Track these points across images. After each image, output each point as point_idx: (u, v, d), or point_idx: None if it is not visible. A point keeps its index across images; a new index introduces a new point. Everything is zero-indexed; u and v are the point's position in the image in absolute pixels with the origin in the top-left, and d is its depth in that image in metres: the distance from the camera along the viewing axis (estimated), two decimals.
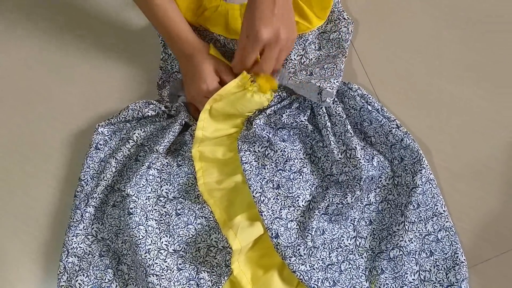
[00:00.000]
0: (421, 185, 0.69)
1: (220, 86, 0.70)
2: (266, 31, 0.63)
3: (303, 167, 0.71)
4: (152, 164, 0.71)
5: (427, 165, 0.70)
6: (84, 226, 0.71)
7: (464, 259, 0.68)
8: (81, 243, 0.70)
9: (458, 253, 0.68)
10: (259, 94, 0.70)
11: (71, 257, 0.70)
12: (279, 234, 0.66)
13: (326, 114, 0.72)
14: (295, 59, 0.75)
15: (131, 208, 0.69)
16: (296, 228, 0.68)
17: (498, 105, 0.75)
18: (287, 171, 0.71)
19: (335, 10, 0.76)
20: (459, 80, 0.76)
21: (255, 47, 0.65)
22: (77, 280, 0.69)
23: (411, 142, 0.70)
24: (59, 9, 0.84)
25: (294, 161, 0.71)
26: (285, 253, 0.66)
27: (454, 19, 0.79)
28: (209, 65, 0.71)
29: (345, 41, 0.75)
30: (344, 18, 0.76)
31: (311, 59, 0.76)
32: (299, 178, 0.71)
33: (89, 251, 0.71)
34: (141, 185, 0.71)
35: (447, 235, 0.69)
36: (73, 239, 0.70)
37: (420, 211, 0.69)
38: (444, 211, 0.70)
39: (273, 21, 0.63)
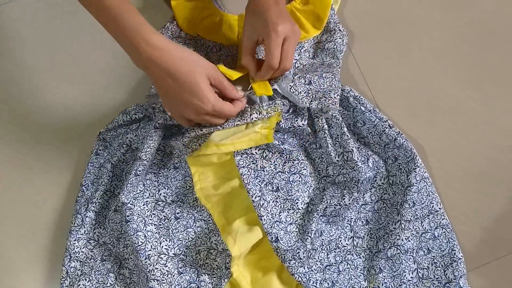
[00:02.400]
0: (416, 183, 0.70)
1: (220, 98, 0.64)
2: (282, 24, 0.65)
3: (303, 169, 0.72)
4: (139, 171, 0.70)
5: (421, 164, 0.71)
6: (85, 231, 0.72)
7: (461, 256, 0.68)
8: (83, 247, 0.72)
9: (455, 250, 0.69)
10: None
11: (74, 261, 0.71)
12: (279, 238, 0.67)
13: (323, 117, 0.72)
14: None
15: (127, 216, 0.69)
16: (296, 231, 0.69)
17: (495, 108, 0.76)
18: (286, 172, 0.71)
19: (331, 21, 0.77)
20: (457, 84, 0.77)
21: (278, 41, 0.65)
22: (79, 284, 0.70)
23: (404, 142, 0.71)
24: (60, 13, 0.84)
25: (293, 162, 0.72)
26: (284, 256, 0.66)
27: (453, 25, 0.79)
28: (204, 78, 0.62)
29: (339, 52, 0.75)
30: (340, 30, 0.76)
31: (305, 64, 0.77)
32: (298, 180, 0.71)
33: (91, 255, 0.72)
34: (138, 191, 0.72)
35: (443, 232, 0.70)
36: (75, 243, 0.71)
37: (416, 209, 0.69)
38: (440, 208, 0.70)
39: (284, 17, 0.66)
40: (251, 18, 0.68)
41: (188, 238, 0.71)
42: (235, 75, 0.68)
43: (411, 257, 0.69)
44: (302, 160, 0.72)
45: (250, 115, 0.69)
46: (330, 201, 0.70)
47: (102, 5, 0.59)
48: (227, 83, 0.66)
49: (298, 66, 0.77)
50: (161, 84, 0.62)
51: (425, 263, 0.69)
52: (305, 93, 0.71)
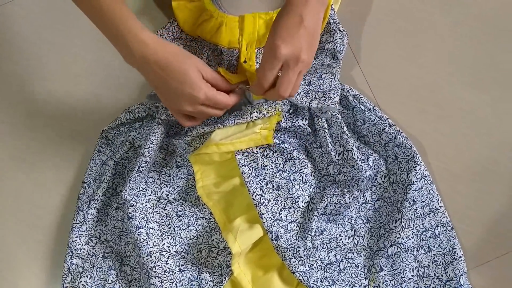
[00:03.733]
0: (416, 181, 0.70)
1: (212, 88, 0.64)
2: (286, 48, 0.58)
3: (304, 168, 0.72)
4: (141, 168, 0.71)
5: (421, 162, 0.71)
6: (87, 228, 0.72)
7: (462, 254, 0.68)
8: (85, 244, 0.72)
9: (456, 248, 0.69)
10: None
11: (75, 258, 0.71)
12: (279, 236, 0.67)
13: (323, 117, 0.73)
14: None
15: (130, 213, 0.70)
16: (296, 230, 0.69)
17: (497, 108, 0.76)
18: (287, 171, 0.71)
19: (331, 22, 0.77)
20: (459, 84, 0.77)
21: (274, 64, 0.59)
22: (81, 281, 0.70)
23: (404, 140, 0.71)
24: (63, 13, 0.84)
25: (294, 161, 0.72)
26: (285, 254, 0.66)
27: (456, 22, 0.79)
28: (194, 68, 0.62)
29: (339, 52, 0.75)
30: (340, 30, 0.76)
31: None
32: (299, 179, 0.71)
33: (92, 252, 0.72)
34: (141, 189, 0.72)
35: (444, 230, 0.70)
36: (76, 240, 0.72)
37: (416, 207, 0.70)
38: (440, 206, 0.70)
39: (295, 40, 0.59)
40: (271, 29, 0.61)
41: (190, 236, 0.71)
42: (235, 79, 0.68)
43: (412, 255, 0.69)
44: (303, 159, 0.72)
45: (250, 113, 0.70)
46: (331, 199, 0.70)
47: (92, 5, 0.60)
48: (219, 77, 0.66)
49: None
50: (153, 78, 0.63)
51: (425, 261, 0.69)
52: (304, 93, 0.72)
